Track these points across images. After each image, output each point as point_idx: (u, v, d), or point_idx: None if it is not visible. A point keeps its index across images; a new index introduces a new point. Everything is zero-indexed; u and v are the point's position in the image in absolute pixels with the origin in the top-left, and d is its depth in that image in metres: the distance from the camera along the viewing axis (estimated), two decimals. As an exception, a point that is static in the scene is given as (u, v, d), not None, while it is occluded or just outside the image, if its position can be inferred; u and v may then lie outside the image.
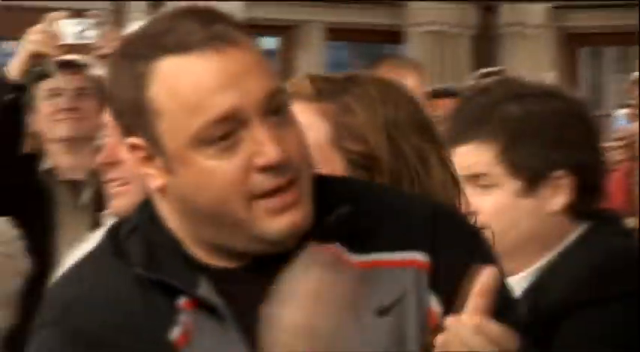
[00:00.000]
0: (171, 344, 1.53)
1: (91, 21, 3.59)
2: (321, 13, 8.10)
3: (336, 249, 1.60)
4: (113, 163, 2.35)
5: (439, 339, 1.48)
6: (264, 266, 1.59)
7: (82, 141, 3.97)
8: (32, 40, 3.52)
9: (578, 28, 8.96)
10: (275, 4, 7.91)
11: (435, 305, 1.61)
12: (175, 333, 1.54)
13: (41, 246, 3.71)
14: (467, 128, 2.38)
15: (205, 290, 1.60)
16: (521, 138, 2.46)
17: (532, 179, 2.41)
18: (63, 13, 3.64)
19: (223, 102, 1.51)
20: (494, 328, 1.47)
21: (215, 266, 1.63)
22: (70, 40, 3.56)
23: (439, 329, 1.56)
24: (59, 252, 3.62)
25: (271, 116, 1.53)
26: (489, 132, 2.35)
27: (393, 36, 8.45)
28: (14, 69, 3.52)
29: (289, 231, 1.53)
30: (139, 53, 1.55)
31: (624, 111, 6.02)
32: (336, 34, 8.32)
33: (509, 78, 3.33)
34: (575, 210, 2.41)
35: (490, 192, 2.42)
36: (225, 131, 1.50)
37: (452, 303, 1.59)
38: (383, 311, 1.61)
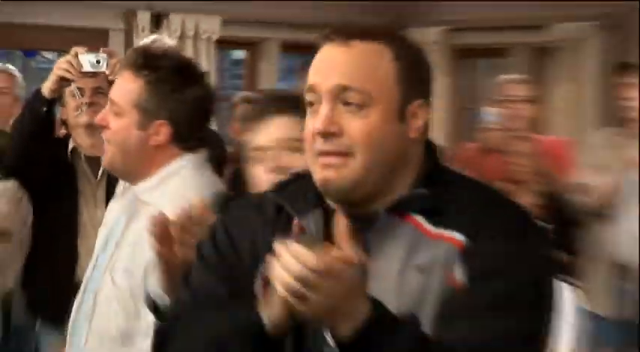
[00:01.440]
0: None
1: (104, 55, 3.81)
2: (277, 32, 8.43)
3: (413, 217, 1.84)
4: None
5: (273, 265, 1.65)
6: (363, 221, 1.86)
7: (98, 127, 3.65)
8: (60, 67, 3.79)
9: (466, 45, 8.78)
10: (244, 25, 8.22)
11: (458, 274, 1.77)
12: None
13: (68, 208, 4.05)
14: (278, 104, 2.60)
15: (310, 220, 1.90)
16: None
17: None
18: (84, 48, 3.87)
19: (311, 78, 1.85)
20: (327, 260, 1.62)
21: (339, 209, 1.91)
22: (87, 69, 3.81)
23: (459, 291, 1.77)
24: (80, 213, 4.06)
25: (341, 103, 1.80)
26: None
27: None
28: (46, 88, 3.82)
29: (324, 183, 1.82)
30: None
31: (491, 107, 6.13)
32: (289, 47, 8.68)
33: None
34: None
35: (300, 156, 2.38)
36: (311, 99, 1.82)
37: (478, 277, 1.77)
38: (421, 270, 1.81)
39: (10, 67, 5.78)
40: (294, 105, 2.47)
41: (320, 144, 1.83)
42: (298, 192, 1.94)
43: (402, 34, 1.97)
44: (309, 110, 1.88)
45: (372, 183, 1.84)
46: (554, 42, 7.93)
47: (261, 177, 2.50)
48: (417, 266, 1.81)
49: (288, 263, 1.63)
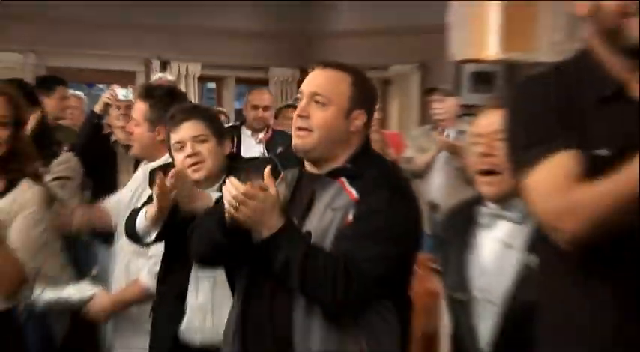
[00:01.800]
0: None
1: (130, 89, 3.90)
2: (233, 72, 8.30)
3: (342, 180, 1.78)
4: None
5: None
6: (315, 178, 1.82)
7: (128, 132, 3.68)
8: (105, 96, 3.84)
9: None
10: (214, 68, 8.06)
11: (350, 217, 1.73)
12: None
13: (110, 178, 3.87)
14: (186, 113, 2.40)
15: (289, 173, 1.86)
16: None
17: None
18: (119, 85, 3.97)
19: (301, 86, 1.87)
20: (243, 188, 1.64)
21: (308, 170, 1.85)
22: (121, 98, 3.83)
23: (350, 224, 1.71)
24: (119, 178, 3.85)
25: (313, 101, 1.79)
26: (200, 115, 2.40)
27: (260, 82, 7.95)
28: (97, 107, 3.91)
29: (295, 147, 1.81)
30: None
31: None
32: (240, 81, 8.46)
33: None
34: None
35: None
36: (299, 97, 1.85)
37: (363, 216, 1.72)
38: (334, 210, 1.76)
39: (80, 93, 5.79)
40: (195, 113, 2.44)
41: (297, 122, 1.82)
42: (288, 157, 1.91)
43: (362, 71, 1.97)
44: (298, 104, 1.88)
45: (321, 151, 1.82)
46: (392, 76, 7.81)
47: (181, 160, 2.39)
48: (333, 208, 1.77)
49: (230, 188, 1.68)
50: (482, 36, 5.27)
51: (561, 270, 1.38)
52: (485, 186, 1.82)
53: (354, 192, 1.75)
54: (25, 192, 2.20)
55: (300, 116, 1.82)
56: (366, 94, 1.88)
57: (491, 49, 5.14)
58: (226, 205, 1.69)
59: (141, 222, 2.33)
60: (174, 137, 2.39)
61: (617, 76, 1.30)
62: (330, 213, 1.76)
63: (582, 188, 1.22)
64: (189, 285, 2.32)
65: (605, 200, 1.19)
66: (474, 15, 5.36)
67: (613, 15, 1.28)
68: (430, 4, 6.45)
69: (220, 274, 2.19)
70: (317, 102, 1.80)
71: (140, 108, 2.82)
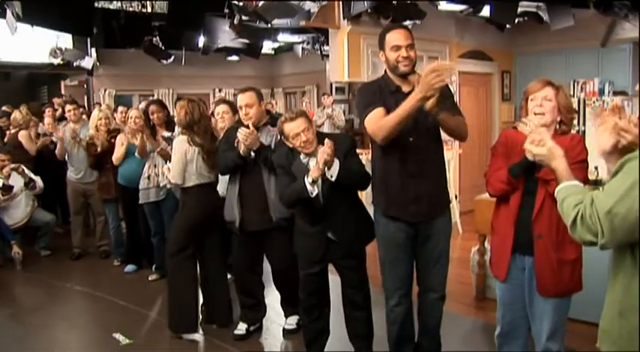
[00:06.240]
0: None
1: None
2: None
3: (268, 127, 2.97)
4: None
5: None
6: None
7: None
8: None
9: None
10: None
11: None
12: None
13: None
14: None
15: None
16: None
17: None
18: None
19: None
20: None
21: None
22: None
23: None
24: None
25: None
26: None
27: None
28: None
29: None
30: None
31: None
32: None
33: None
34: None
35: None
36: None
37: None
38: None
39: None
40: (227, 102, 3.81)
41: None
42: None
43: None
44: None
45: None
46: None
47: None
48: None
49: (244, 133, 3.09)
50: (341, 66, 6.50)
51: (379, 153, 2.84)
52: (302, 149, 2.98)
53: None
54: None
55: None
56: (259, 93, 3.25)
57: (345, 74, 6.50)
58: (241, 143, 3.07)
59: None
60: (218, 109, 3.86)
61: (395, 83, 2.86)
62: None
63: (382, 120, 2.68)
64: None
65: (388, 125, 2.65)
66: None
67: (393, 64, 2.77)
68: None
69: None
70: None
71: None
